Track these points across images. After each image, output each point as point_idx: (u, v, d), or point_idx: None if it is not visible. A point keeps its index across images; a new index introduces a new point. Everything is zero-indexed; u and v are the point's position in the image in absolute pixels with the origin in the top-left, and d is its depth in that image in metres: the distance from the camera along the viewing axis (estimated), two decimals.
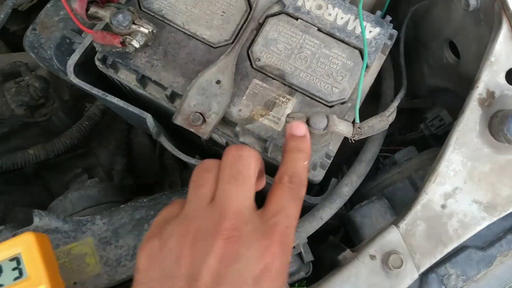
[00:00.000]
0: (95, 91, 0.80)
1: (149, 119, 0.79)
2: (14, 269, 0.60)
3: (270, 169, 0.77)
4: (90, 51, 0.81)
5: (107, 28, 0.73)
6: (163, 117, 0.83)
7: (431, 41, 0.89)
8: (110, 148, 1.36)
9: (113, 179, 1.30)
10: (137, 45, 0.70)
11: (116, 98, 0.79)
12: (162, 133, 0.82)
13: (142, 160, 1.39)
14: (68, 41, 0.89)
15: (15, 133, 1.19)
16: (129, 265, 0.72)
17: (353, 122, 0.68)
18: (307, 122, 0.66)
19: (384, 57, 0.75)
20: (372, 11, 0.83)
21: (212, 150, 0.95)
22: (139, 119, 0.86)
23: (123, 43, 0.71)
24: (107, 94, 0.79)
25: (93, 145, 1.35)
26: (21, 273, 0.60)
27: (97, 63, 0.77)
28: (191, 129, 0.72)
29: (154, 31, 0.71)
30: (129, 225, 0.76)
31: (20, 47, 1.37)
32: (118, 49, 0.73)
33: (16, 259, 0.60)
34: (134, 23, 0.70)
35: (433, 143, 1.01)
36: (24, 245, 0.60)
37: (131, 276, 0.72)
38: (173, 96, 0.74)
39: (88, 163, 1.35)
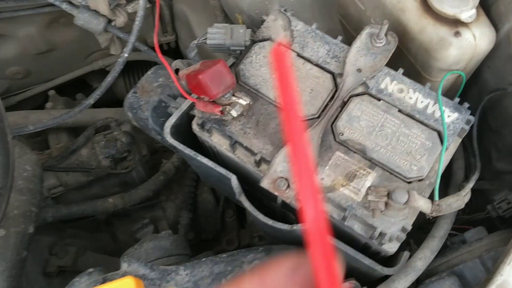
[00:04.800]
0: (187, 151, 0.88)
1: (233, 179, 0.86)
2: None
3: (344, 237, 0.81)
4: (184, 115, 0.91)
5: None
6: (241, 179, 0.89)
7: (502, 127, 0.94)
8: (177, 203, 1.43)
9: (177, 232, 1.36)
10: (235, 115, 0.79)
11: (206, 159, 0.87)
12: (243, 194, 0.88)
13: (205, 216, 1.45)
14: (163, 104, 1.00)
15: (96, 182, 1.29)
16: None
17: (432, 199, 0.72)
18: (388, 196, 0.71)
19: (460, 140, 0.80)
20: (446, 94, 0.89)
21: (280, 212, 1.00)
22: (220, 179, 0.93)
23: (222, 111, 0.80)
24: (198, 154, 0.88)
25: (161, 198, 1.44)
26: None
27: (194, 127, 0.86)
28: (276, 193, 0.78)
29: (251, 103, 0.80)
30: (208, 278, 0.81)
31: (97, 103, 1.53)
32: (216, 117, 0.82)
33: None
34: (234, 95, 0.79)
35: (499, 225, 1.02)
36: None
37: None
38: (260, 162, 0.81)
39: (154, 215, 1.43)
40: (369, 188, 0.73)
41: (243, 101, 0.79)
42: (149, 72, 1.03)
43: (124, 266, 0.82)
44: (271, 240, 1.26)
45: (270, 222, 0.86)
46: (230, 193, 1.06)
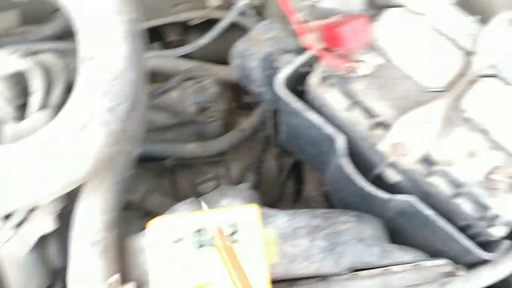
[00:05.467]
0: (297, 104, 0.88)
1: (341, 140, 0.86)
2: (232, 234, 0.67)
3: (446, 213, 0.80)
4: (296, 70, 0.92)
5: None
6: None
7: None
8: (243, 164, 1.44)
9: None
10: (364, 73, 0.79)
11: (315, 115, 0.87)
12: (346, 156, 0.88)
13: (267, 183, 1.46)
14: (272, 57, 1.00)
15: (175, 127, 1.31)
16: (303, 264, 0.78)
17: None
18: None
19: None
20: None
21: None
22: (317, 140, 0.93)
23: (350, 68, 0.80)
24: (307, 109, 0.88)
25: (228, 156, 1.45)
26: (238, 239, 0.66)
27: (312, 81, 0.86)
28: (393, 158, 0.78)
29: (382, 64, 0.80)
30: (306, 229, 0.81)
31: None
32: (340, 73, 0.82)
33: (235, 226, 0.67)
34: (366, 54, 0.79)
35: None
36: (248, 216, 0.67)
37: (302, 276, 0.77)
38: (378, 125, 0.81)
39: (218, 172, 1.44)
40: (492, 167, 0.73)
41: (375, 60, 0.79)
42: (263, 23, 1.04)
43: (224, 202, 0.83)
44: None
45: (369, 188, 0.86)
46: (318, 159, 1.06)
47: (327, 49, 0.82)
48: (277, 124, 1.38)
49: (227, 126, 1.42)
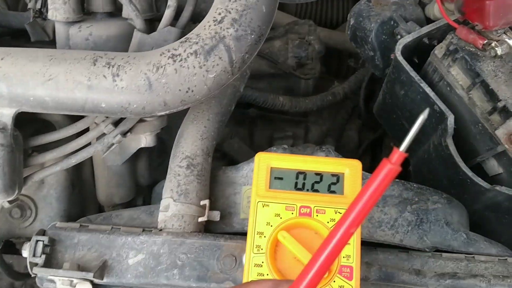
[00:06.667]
0: (413, 73, 0.86)
1: (451, 118, 0.83)
2: (332, 183, 0.67)
3: None
4: (417, 39, 0.88)
5: (473, 27, 0.78)
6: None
7: None
8: (323, 129, 1.43)
9: None
10: (499, 53, 0.75)
11: (429, 88, 0.84)
12: (451, 136, 0.85)
13: (344, 154, 1.44)
14: (392, 23, 0.96)
15: (269, 77, 1.31)
16: (387, 232, 0.77)
17: None
18: None
19: None
20: None
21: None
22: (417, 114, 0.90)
23: (484, 45, 0.76)
24: (422, 80, 0.85)
25: (310, 118, 1.44)
26: (337, 190, 0.67)
27: (438, 51, 0.83)
28: (506, 145, 0.74)
29: None
30: (396, 199, 0.80)
31: None
32: (471, 49, 0.78)
33: (337, 177, 0.67)
34: (506, 33, 0.75)
35: None
36: (351, 168, 0.67)
37: (384, 242, 0.77)
38: (497, 110, 0.77)
39: (296, 132, 1.44)
40: None
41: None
42: None
43: (321, 154, 0.83)
44: None
45: (470, 174, 0.83)
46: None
47: (463, 22, 0.78)
48: (371, 94, 1.35)
49: (316, 89, 1.41)
